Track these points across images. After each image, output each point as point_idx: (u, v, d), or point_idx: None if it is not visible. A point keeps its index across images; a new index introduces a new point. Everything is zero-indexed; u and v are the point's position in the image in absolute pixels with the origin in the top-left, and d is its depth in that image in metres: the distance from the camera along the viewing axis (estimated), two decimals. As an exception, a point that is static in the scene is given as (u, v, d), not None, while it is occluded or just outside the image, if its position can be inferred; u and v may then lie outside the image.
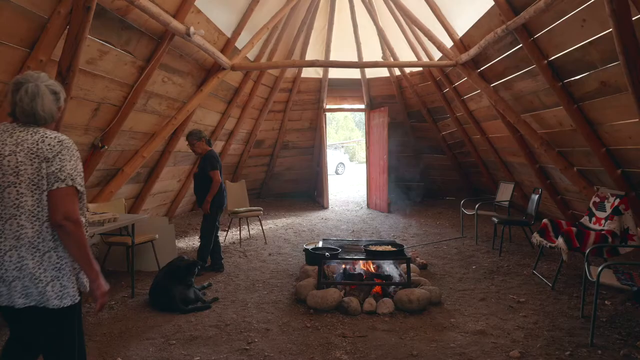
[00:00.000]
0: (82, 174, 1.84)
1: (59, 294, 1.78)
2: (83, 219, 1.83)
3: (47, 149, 1.76)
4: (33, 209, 1.75)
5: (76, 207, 1.78)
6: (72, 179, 1.77)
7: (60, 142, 1.80)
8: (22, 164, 1.74)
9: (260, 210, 6.50)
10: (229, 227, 6.82)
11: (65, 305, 1.79)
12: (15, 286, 1.74)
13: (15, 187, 1.74)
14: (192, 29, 4.79)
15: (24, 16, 3.20)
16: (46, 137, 1.79)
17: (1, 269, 1.75)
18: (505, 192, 6.50)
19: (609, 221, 4.19)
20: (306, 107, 10.16)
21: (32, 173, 1.75)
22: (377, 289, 3.99)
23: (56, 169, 1.75)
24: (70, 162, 1.78)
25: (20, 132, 1.80)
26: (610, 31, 3.38)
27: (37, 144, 1.76)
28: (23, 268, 1.74)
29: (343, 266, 4.33)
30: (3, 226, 1.75)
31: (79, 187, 1.79)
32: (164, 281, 3.84)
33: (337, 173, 22.09)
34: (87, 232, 1.89)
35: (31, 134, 1.79)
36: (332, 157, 21.64)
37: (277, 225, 7.78)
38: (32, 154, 1.75)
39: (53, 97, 1.86)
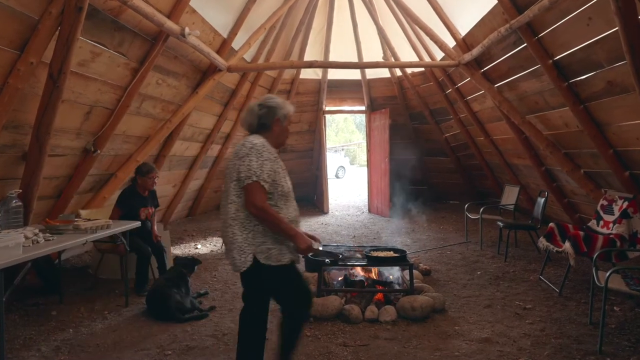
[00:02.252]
0: (272, 172, 2.33)
1: (231, 261, 2.38)
2: (281, 209, 2.37)
3: (242, 151, 2.34)
4: (227, 192, 2.38)
5: (261, 197, 2.29)
6: (257, 176, 2.28)
7: (251, 147, 2.34)
8: (231, 161, 2.40)
9: (258, 215, 6.49)
10: (225, 233, 6.82)
11: (234, 270, 2.38)
12: (231, 253, 2.37)
13: (226, 177, 2.42)
14: (187, 30, 4.81)
15: (13, 17, 3.21)
16: (247, 141, 2.38)
17: (225, 239, 2.41)
18: (510, 196, 6.51)
19: (617, 225, 4.19)
20: (305, 109, 10.18)
21: (232, 167, 2.37)
22: (379, 296, 3.99)
23: (244, 169, 2.30)
24: (257, 162, 2.30)
25: (242, 139, 2.43)
26: (616, 30, 3.40)
27: (240, 147, 2.37)
28: (234, 240, 2.34)
29: (353, 273, 4.33)
30: (225, 207, 2.39)
31: (262, 183, 2.28)
32: (162, 289, 3.84)
33: (337, 177, 22.10)
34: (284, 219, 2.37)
35: (243, 139, 2.42)
36: (332, 161, 21.65)
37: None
38: (236, 154, 2.37)
39: (263, 111, 2.46)
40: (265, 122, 2.48)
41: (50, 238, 3.36)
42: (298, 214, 2.54)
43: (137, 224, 4.20)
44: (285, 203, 2.43)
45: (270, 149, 2.41)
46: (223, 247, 2.48)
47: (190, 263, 4.18)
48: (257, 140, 2.39)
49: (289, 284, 2.49)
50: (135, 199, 4.60)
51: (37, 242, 3.20)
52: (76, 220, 3.79)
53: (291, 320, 2.57)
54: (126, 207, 4.54)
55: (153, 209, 4.74)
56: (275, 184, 2.37)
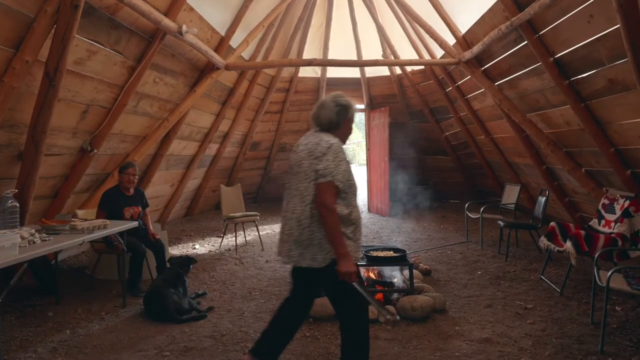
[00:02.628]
0: (346, 172, 2.38)
1: (312, 257, 2.38)
2: (344, 209, 2.37)
3: (318, 150, 2.38)
4: (303, 192, 2.39)
5: (331, 197, 2.32)
6: (332, 176, 2.32)
7: (329, 146, 2.38)
8: (304, 160, 2.42)
9: (256, 215, 6.51)
10: (224, 233, 6.82)
11: (314, 267, 2.38)
12: (286, 247, 2.46)
13: (297, 175, 2.44)
14: (184, 28, 4.81)
15: (8, 15, 3.21)
16: (322, 140, 2.41)
17: (281, 230, 2.52)
18: (511, 195, 6.52)
19: (618, 224, 4.20)
20: (304, 107, 10.18)
21: (307, 166, 2.39)
22: (378, 296, 3.99)
23: (321, 167, 2.34)
24: (333, 162, 2.35)
25: (311, 136, 2.50)
26: (618, 27, 3.41)
27: (315, 146, 2.40)
28: (291, 234, 2.42)
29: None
30: (289, 201, 2.48)
31: (336, 183, 2.33)
32: (159, 289, 3.83)
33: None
34: (348, 221, 2.40)
35: (315, 138, 2.46)
36: (331, 160, 21.56)
37: (275, 230, 7.78)
38: (310, 153, 2.40)
39: (337, 108, 2.49)
40: (338, 120, 2.51)
41: (47, 238, 3.35)
42: None
43: (135, 224, 4.20)
44: (356, 202, 2.47)
45: (343, 149, 2.46)
46: (284, 248, 2.48)
47: (186, 262, 4.18)
48: (333, 139, 2.43)
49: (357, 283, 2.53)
50: (118, 199, 4.54)
51: (34, 242, 3.20)
52: (73, 221, 3.79)
53: (350, 328, 2.55)
54: (109, 208, 4.48)
55: (140, 209, 4.71)
56: (350, 183, 2.42)
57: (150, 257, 4.74)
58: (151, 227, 4.78)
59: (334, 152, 2.37)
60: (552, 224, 4.64)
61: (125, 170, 4.59)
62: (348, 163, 2.43)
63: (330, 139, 2.42)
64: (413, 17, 7.03)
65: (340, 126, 2.53)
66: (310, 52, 9.08)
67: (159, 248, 4.63)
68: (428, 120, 9.67)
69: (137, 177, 4.67)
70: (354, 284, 2.36)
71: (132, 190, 4.66)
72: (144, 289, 4.25)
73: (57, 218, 4.14)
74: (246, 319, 3.80)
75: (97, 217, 4.39)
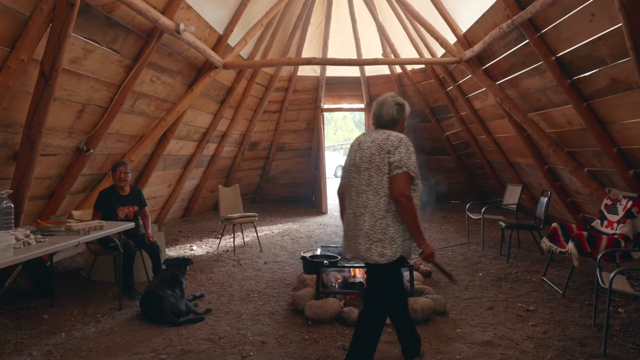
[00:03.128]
0: (416, 164, 2.56)
1: (380, 253, 2.54)
2: (417, 200, 2.56)
3: (390, 144, 2.55)
4: (376, 186, 2.55)
5: (409, 186, 2.51)
6: (406, 167, 2.50)
7: (399, 139, 2.57)
8: (374, 155, 2.57)
9: (255, 216, 6.50)
10: (222, 235, 6.82)
11: (381, 262, 2.54)
12: (355, 243, 2.61)
13: (369, 170, 2.59)
14: (182, 26, 4.80)
15: (3, 13, 3.20)
16: (390, 135, 2.60)
17: (349, 227, 2.68)
18: (512, 195, 6.52)
19: (621, 225, 4.20)
20: (303, 107, 10.18)
21: (379, 161, 2.55)
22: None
23: (396, 159, 2.51)
24: (406, 154, 2.53)
25: (375, 133, 2.67)
26: (620, 26, 3.41)
27: (384, 141, 2.57)
28: (362, 227, 2.57)
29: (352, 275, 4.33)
30: (358, 197, 2.62)
31: (411, 173, 2.52)
32: (156, 291, 3.83)
33: (336, 176, 22.08)
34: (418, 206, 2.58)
35: (381, 134, 2.63)
36: (331, 160, 21.63)
37: (273, 231, 7.78)
38: (381, 148, 2.56)
39: (396, 107, 2.70)
40: (398, 118, 2.72)
41: (42, 240, 3.35)
42: None
43: (131, 224, 4.19)
44: (419, 191, 2.65)
45: (411, 143, 2.63)
46: (352, 243, 2.66)
47: (182, 263, 4.17)
48: (401, 134, 2.62)
49: (399, 281, 2.81)
50: (113, 199, 4.56)
51: (29, 243, 3.20)
52: (68, 221, 3.78)
53: (373, 319, 2.73)
54: (103, 207, 4.50)
55: (136, 208, 4.70)
56: (418, 175, 2.59)
57: (146, 259, 4.74)
58: (150, 228, 4.77)
59: (405, 145, 2.55)
60: (554, 224, 4.64)
61: (116, 169, 4.62)
62: (415, 156, 2.60)
63: (398, 134, 2.61)
64: (413, 16, 7.04)
65: (397, 124, 2.72)
66: (309, 50, 9.08)
67: (155, 250, 4.62)
68: (429, 119, 9.67)
69: (128, 174, 4.67)
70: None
71: (127, 189, 4.66)
72: (141, 291, 4.24)
73: (52, 219, 4.13)
74: (244, 321, 3.80)
75: (92, 217, 4.41)
